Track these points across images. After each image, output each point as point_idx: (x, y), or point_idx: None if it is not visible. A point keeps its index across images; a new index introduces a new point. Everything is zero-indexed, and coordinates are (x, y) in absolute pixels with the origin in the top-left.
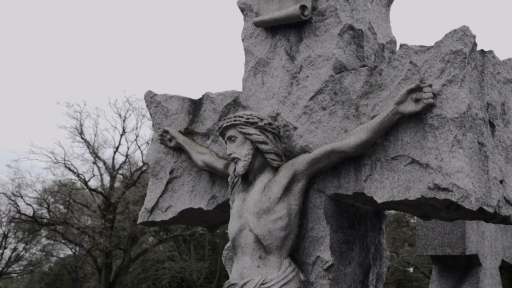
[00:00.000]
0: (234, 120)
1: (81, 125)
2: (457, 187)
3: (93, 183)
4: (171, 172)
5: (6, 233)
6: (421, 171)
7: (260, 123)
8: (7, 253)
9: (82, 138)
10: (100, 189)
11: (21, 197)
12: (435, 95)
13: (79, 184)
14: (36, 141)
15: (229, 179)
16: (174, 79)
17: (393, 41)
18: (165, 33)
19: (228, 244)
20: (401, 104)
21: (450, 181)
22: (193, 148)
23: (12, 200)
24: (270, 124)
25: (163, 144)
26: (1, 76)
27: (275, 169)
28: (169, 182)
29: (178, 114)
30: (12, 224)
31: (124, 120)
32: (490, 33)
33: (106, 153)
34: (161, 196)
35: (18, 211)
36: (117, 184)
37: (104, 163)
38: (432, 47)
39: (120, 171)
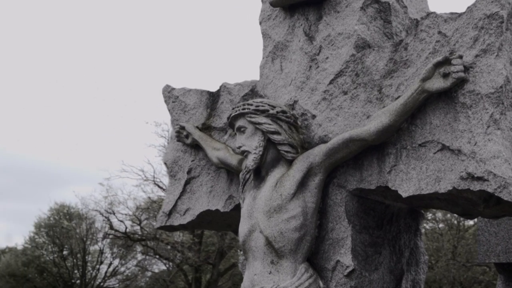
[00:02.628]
0: (243, 109)
1: (169, 143)
2: (494, 176)
3: None
4: (189, 172)
5: (102, 249)
6: (452, 159)
7: (271, 111)
8: (104, 268)
9: None
10: None
11: (114, 214)
12: (466, 68)
13: None
14: (127, 159)
15: (240, 175)
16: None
17: None
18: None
19: None
20: (428, 81)
21: (485, 168)
22: (209, 144)
23: (105, 217)
24: (283, 112)
25: (180, 141)
26: (93, 98)
27: (290, 163)
28: (187, 182)
29: (196, 108)
30: (108, 240)
31: None
32: None
33: None
34: (179, 198)
35: (111, 227)
36: None
37: None
38: (463, 13)
39: None
